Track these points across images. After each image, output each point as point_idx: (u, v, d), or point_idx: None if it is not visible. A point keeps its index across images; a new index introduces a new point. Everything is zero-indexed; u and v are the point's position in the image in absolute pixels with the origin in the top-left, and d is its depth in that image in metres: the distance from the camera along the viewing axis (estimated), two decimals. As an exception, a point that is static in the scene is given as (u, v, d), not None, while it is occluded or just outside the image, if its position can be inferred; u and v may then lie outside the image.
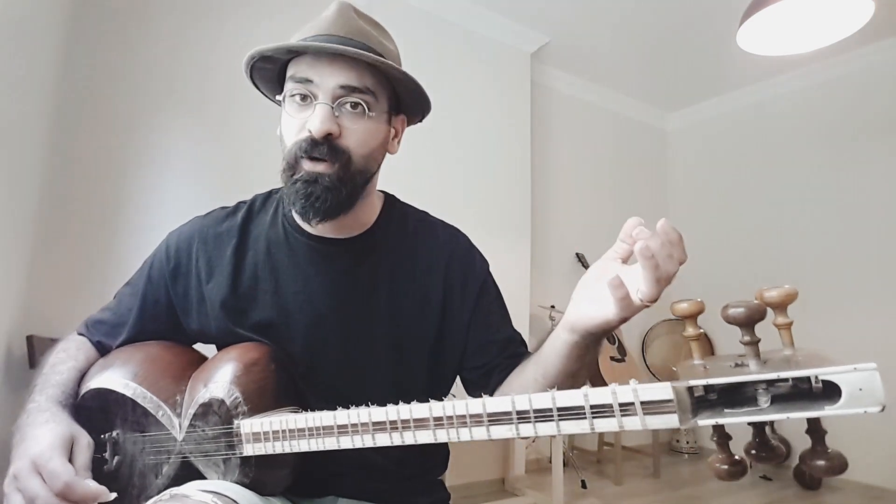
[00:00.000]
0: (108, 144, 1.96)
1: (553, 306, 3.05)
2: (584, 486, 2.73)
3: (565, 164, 3.60)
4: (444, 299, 0.78)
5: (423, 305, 0.77)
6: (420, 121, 0.83)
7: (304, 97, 0.69)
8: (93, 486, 0.63)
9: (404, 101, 0.77)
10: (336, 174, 0.68)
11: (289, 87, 0.70)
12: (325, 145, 0.67)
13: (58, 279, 1.77)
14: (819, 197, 3.26)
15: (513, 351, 0.78)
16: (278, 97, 0.76)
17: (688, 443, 3.60)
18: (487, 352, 0.78)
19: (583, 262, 3.45)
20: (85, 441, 0.68)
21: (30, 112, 1.49)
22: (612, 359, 3.07)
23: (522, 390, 0.56)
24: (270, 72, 0.74)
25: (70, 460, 0.64)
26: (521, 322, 2.98)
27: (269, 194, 0.84)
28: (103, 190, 1.94)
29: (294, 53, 0.70)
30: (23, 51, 1.33)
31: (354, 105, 0.69)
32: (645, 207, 3.95)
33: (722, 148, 3.85)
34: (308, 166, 0.68)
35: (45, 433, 0.65)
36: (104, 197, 1.94)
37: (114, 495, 0.64)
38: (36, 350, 1.52)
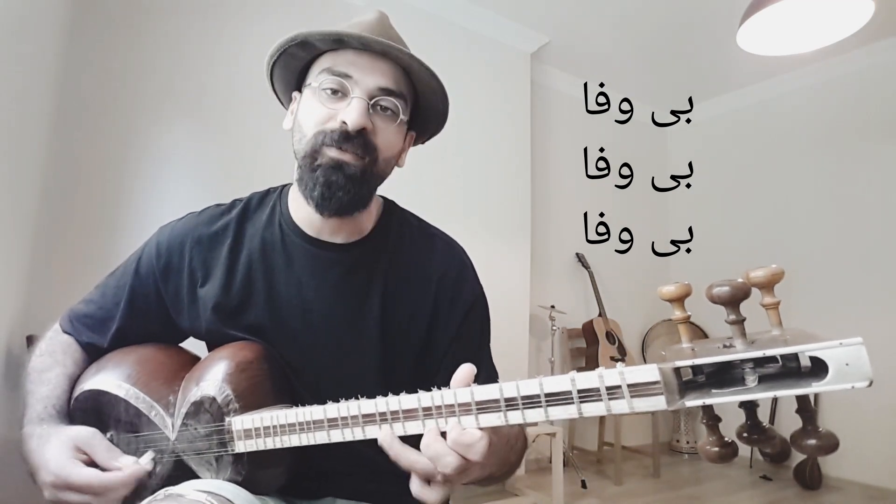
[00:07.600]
0: (108, 145, 1.96)
1: (553, 306, 3.05)
2: (584, 486, 2.73)
3: (565, 165, 3.60)
4: (431, 316, 0.77)
5: (411, 318, 0.76)
6: (422, 143, 0.83)
7: (334, 91, 0.68)
8: (126, 471, 0.64)
9: (420, 117, 0.77)
10: (362, 167, 0.68)
11: (322, 78, 0.69)
12: (358, 139, 0.67)
13: (58, 279, 1.77)
14: (819, 197, 3.26)
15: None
16: (294, 92, 0.76)
17: (688, 443, 3.59)
18: None
19: (583, 262, 3.44)
20: (86, 433, 0.67)
21: (30, 112, 1.49)
22: (613, 359, 3.08)
23: None
24: (300, 61, 0.73)
25: (90, 461, 0.65)
26: (521, 322, 2.98)
27: (267, 192, 0.82)
28: (103, 190, 1.94)
29: (331, 46, 0.69)
30: (23, 51, 1.33)
31: (385, 108, 0.69)
32: (645, 207, 3.95)
33: (722, 148, 3.85)
34: (333, 153, 0.67)
35: (46, 456, 0.64)
36: (104, 197, 1.94)
37: (151, 464, 0.66)
38: (36, 350, 1.52)
